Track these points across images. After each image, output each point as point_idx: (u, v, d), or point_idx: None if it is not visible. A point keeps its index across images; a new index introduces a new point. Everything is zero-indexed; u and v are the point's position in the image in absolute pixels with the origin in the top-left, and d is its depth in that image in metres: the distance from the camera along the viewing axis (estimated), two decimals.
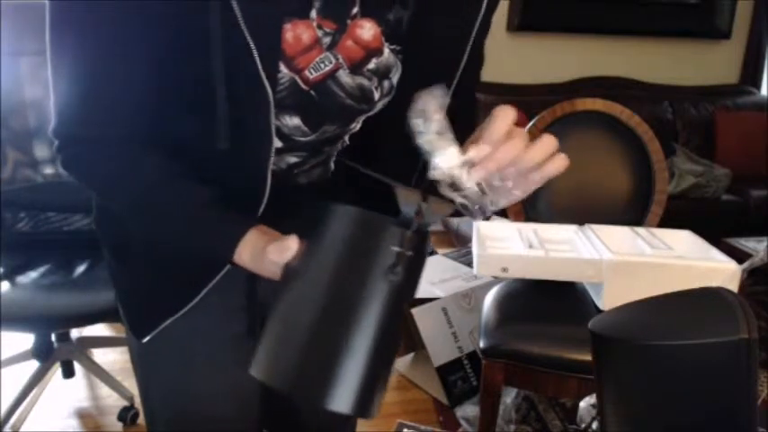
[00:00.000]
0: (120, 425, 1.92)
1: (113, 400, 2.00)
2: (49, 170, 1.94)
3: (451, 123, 0.77)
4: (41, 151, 1.93)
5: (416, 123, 0.60)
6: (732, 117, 3.47)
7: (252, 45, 0.63)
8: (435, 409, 2.01)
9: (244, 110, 0.68)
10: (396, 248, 0.56)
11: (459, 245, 2.68)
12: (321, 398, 0.55)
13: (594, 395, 0.96)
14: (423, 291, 2.09)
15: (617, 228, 1.58)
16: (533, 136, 0.61)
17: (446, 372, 2.03)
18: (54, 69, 0.67)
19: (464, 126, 0.85)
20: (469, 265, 2.29)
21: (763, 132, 3.33)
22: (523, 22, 3.41)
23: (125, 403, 1.95)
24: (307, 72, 0.70)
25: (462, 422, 1.93)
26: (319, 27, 0.69)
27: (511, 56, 3.37)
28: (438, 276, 2.23)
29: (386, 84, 0.75)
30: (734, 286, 1.33)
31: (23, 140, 1.91)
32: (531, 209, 1.79)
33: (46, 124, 1.92)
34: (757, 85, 3.77)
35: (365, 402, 0.56)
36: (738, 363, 0.56)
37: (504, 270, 1.42)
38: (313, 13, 0.68)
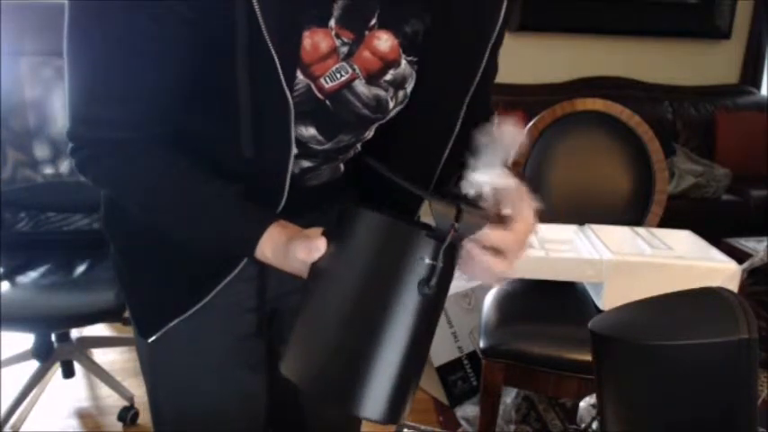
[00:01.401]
0: (120, 425, 1.92)
1: (113, 400, 2.00)
2: (49, 170, 1.94)
3: (468, 131, 0.79)
4: (41, 151, 1.93)
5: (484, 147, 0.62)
6: (732, 117, 3.46)
7: (273, 53, 0.63)
8: (435, 409, 2.01)
9: (265, 116, 0.68)
10: (430, 261, 0.56)
11: None
12: (352, 405, 0.56)
13: (594, 395, 0.96)
14: None
15: (617, 228, 1.58)
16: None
17: (446, 372, 2.03)
18: (70, 71, 0.66)
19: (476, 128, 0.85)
20: None
21: (763, 132, 3.32)
22: (523, 22, 3.41)
23: (125, 403, 1.95)
24: (322, 81, 0.70)
25: (462, 422, 1.93)
26: (337, 36, 0.69)
27: (511, 56, 3.33)
28: None
29: (401, 93, 0.76)
30: (734, 286, 1.33)
31: (23, 140, 1.91)
32: None
33: (46, 124, 1.92)
34: (757, 85, 3.77)
35: (395, 409, 0.58)
36: (738, 363, 0.56)
37: None
38: (331, 22, 0.68)
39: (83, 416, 1.98)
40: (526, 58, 3.42)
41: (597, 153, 1.78)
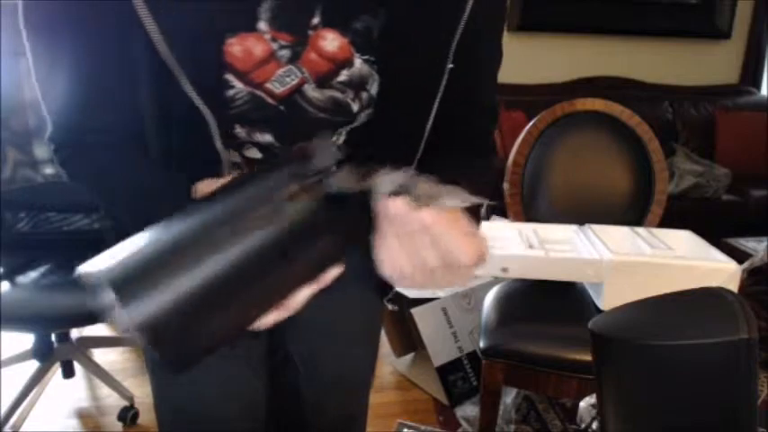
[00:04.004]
0: (119, 425, 1.92)
1: (113, 400, 2.00)
2: (49, 170, 1.94)
3: (448, 132, 0.76)
4: (41, 151, 1.93)
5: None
6: (732, 117, 3.47)
7: (178, 69, 0.61)
8: (435, 409, 2.01)
9: (186, 134, 0.67)
10: (279, 196, 0.52)
11: None
12: (125, 296, 0.49)
13: (594, 395, 0.96)
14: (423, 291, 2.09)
15: (617, 228, 1.58)
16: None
17: (446, 372, 2.03)
18: (46, 77, 0.66)
19: (464, 131, 0.83)
20: None
21: (763, 132, 3.32)
22: (523, 22, 3.41)
23: (125, 403, 1.95)
24: (270, 86, 0.67)
25: (462, 422, 1.93)
26: (274, 40, 0.66)
27: (511, 56, 3.34)
28: None
29: (364, 95, 0.72)
30: (734, 286, 1.33)
31: (23, 140, 1.91)
32: (531, 209, 1.79)
33: (46, 124, 1.92)
34: (757, 85, 3.77)
35: (168, 330, 0.49)
36: (738, 363, 0.56)
37: (504, 270, 1.42)
38: (262, 25, 0.65)
39: (83, 416, 1.98)
40: (526, 58, 3.42)
41: (597, 153, 1.79)
